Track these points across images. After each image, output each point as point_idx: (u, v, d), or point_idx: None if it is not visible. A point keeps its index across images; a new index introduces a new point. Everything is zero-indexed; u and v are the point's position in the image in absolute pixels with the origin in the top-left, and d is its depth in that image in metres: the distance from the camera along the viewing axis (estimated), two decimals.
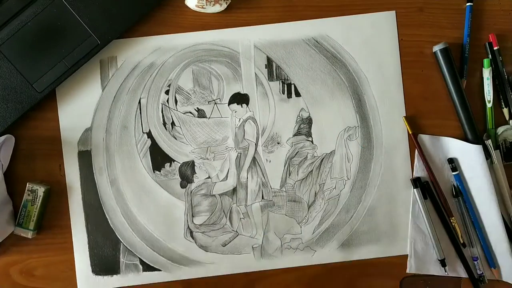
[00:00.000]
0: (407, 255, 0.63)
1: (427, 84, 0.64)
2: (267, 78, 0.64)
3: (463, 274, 0.63)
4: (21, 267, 0.63)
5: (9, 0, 0.59)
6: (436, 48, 0.62)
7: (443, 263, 0.62)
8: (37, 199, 0.60)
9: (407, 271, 0.63)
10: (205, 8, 0.61)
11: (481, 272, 0.63)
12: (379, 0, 0.64)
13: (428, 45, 0.64)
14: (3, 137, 0.58)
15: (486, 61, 0.63)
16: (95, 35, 0.60)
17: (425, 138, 0.63)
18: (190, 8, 0.63)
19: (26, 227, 0.61)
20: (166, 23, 0.63)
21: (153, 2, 0.61)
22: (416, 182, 0.63)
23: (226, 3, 0.62)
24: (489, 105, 0.63)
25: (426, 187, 0.63)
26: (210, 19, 0.63)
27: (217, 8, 0.62)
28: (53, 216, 0.63)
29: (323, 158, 0.64)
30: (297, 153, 0.64)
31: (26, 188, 0.60)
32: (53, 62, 0.60)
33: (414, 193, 0.63)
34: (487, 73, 0.63)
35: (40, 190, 0.60)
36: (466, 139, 0.62)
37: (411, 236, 0.63)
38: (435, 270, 0.63)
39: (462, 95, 0.62)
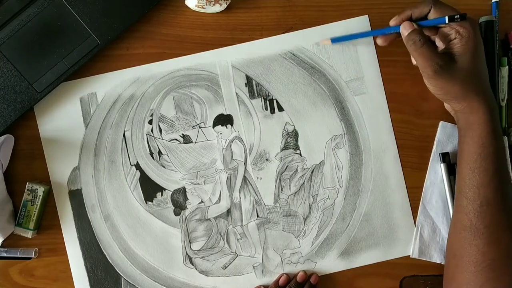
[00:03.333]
0: (407, 256, 0.63)
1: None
2: (248, 97, 0.64)
3: None
4: (20, 267, 0.63)
5: (9, 0, 0.60)
6: (482, 20, 0.63)
7: None
8: (37, 199, 0.61)
9: (410, 255, 0.63)
10: (205, 8, 0.62)
11: None
12: (379, 0, 0.64)
13: None
14: (3, 137, 0.59)
15: (503, 60, 0.63)
16: (95, 35, 0.60)
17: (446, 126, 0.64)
18: (190, 8, 0.63)
19: (26, 227, 0.61)
20: (166, 23, 0.64)
21: (153, 2, 0.62)
22: (445, 156, 0.63)
23: (226, 3, 0.62)
24: (503, 103, 0.63)
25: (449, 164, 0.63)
26: (210, 19, 0.64)
27: (217, 8, 0.62)
28: (53, 216, 0.63)
29: (313, 169, 0.64)
30: (287, 167, 0.64)
31: (26, 188, 0.61)
32: (53, 62, 0.60)
33: (441, 168, 0.63)
34: (503, 72, 0.62)
35: (40, 190, 0.61)
36: None
37: (419, 221, 0.63)
38: (439, 257, 0.63)
39: (494, 73, 0.62)
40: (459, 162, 0.56)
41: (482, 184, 0.53)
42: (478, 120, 0.53)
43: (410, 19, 0.56)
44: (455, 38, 0.54)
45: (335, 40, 0.63)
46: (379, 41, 0.60)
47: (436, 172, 0.64)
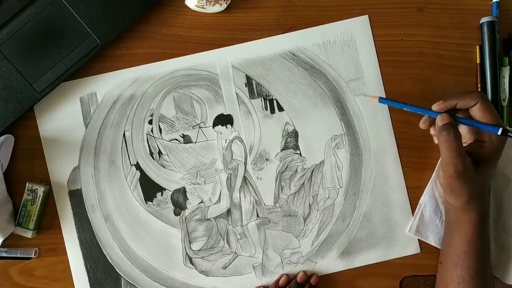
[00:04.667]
0: (407, 256, 0.63)
1: (427, 84, 0.64)
2: (248, 97, 0.64)
3: None
4: (20, 267, 0.63)
5: (9, 0, 0.60)
6: (484, 20, 0.62)
7: None
8: (37, 199, 0.61)
9: (407, 231, 0.63)
10: (205, 8, 0.62)
11: None
12: (378, 0, 0.64)
13: (428, 45, 0.64)
14: (3, 137, 0.59)
15: (505, 60, 0.63)
16: (95, 35, 0.60)
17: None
18: (190, 8, 0.63)
19: (26, 227, 0.61)
20: (166, 23, 0.64)
21: (153, 2, 0.62)
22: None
23: (226, 3, 0.62)
24: (504, 103, 0.63)
25: None
26: (210, 19, 0.64)
27: (217, 8, 0.62)
28: (53, 216, 0.63)
29: (313, 169, 0.64)
30: (286, 167, 0.64)
31: (26, 188, 0.61)
32: (53, 62, 0.60)
33: None
34: (505, 72, 0.62)
35: (40, 190, 0.61)
36: None
37: (423, 200, 0.63)
38: (434, 240, 0.62)
39: (496, 73, 0.62)
40: (443, 254, 0.57)
41: (464, 281, 0.54)
42: (470, 219, 0.53)
43: (454, 108, 0.55)
44: (485, 142, 0.53)
45: (382, 101, 0.59)
46: (422, 126, 0.58)
47: None
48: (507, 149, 0.62)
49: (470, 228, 0.53)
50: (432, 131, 0.59)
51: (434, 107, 0.55)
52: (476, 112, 0.53)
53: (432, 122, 0.57)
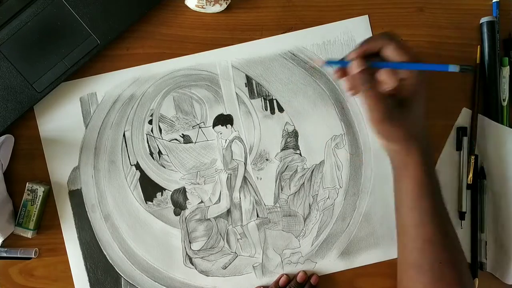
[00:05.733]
0: None
1: (427, 84, 0.64)
2: (248, 97, 0.64)
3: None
4: (20, 267, 0.63)
5: (9, 0, 0.60)
6: (484, 20, 0.62)
7: (463, 216, 0.63)
8: (37, 199, 0.61)
9: None
10: (205, 8, 0.62)
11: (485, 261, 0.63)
12: (378, 0, 0.64)
13: (428, 45, 0.64)
14: (3, 137, 0.59)
15: (505, 60, 0.63)
16: (95, 35, 0.60)
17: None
18: (190, 8, 0.63)
19: (26, 227, 0.61)
20: (166, 23, 0.64)
21: (153, 2, 0.62)
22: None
23: (226, 3, 0.62)
24: (504, 103, 0.63)
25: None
26: (210, 19, 0.64)
27: (217, 8, 0.62)
28: (53, 216, 0.63)
29: (313, 169, 0.64)
30: (286, 167, 0.64)
31: (26, 188, 0.61)
32: (53, 62, 0.60)
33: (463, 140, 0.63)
34: (505, 72, 0.62)
35: (40, 190, 0.61)
36: None
37: None
38: None
39: (496, 73, 0.62)
40: (398, 201, 0.56)
41: (422, 223, 0.53)
42: (415, 161, 0.52)
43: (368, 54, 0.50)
44: (405, 79, 0.50)
45: (328, 64, 0.54)
46: (335, 77, 0.54)
47: (450, 156, 0.64)
48: (501, 149, 0.62)
49: (417, 170, 0.52)
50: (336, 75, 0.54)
51: (350, 55, 0.51)
52: (392, 53, 0.49)
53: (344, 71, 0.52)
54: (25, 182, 0.61)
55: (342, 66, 0.51)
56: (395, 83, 0.49)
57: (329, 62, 0.53)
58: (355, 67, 0.49)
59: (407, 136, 0.52)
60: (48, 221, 0.63)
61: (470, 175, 0.62)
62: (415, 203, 0.53)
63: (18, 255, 0.61)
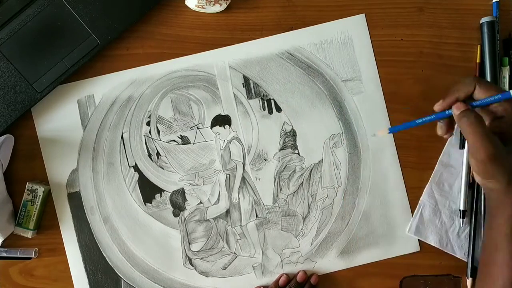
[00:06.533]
0: (407, 255, 0.63)
1: (427, 84, 0.64)
2: (246, 97, 0.64)
3: (458, 253, 0.63)
4: (20, 267, 0.63)
5: (9, 0, 0.60)
6: (484, 20, 0.62)
7: (463, 214, 0.62)
8: (37, 199, 0.61)
9: (406, 231, 0.63)
10: (205, 8, 0.62)
11: None
12: (378, 0, 0.64)
13: (428, 45, 0.64)
14: (3, 137, 0.59)
15: (505, 60, 0.62)
16: (95, 35, 0.60)
17: None
18: (190, 8, 0.63)
19: (26, 227, 0.61)
20: (166, 23, 0.64)
21: (153, 2, 0.62)
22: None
23: (226, 3, 0.62)
24: None
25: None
26: (210, 19, 0.64)
27: (217, 8, 0.62)
28: (53, 216, 0.63)
29: (312, 169, 0.64)
30: (285, 167, 0.64)
31: (26, 188, 0.61)
32: (53, 62, 0.60)
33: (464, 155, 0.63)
34: (505, 72, 0.62)
35: (40, 190, 0.61)
36: None
37: (422, 199, 0.63)
38: (434, 240, 0.63)
39: (496, 73, 0.61)
40: (488, 238, 0.54)
41: (507, 265, 0.51)
42: None
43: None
44: (503, 117, 0.49)
45: (392, 130, 0.55)
46: (440, 132, 0.54)
47: (451, 155, 0.63)
48: None
49: None
50: (439, 131, 0.55)
51: (437, 107, 0.52)
52: (480, 94, 0.50)
53: (446, 124, 0.54)
54: (25, 182, 0.61)
55: (405, 128, 0.53)
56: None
57: (393, 129, 0.54)
58: (458, 108, 0.49)
59: (509, 175, 0.49)
60: (48, 221, 0.63)
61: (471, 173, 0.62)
62: (503, 243, 0.51)
63: (18, 255, 0.61)
